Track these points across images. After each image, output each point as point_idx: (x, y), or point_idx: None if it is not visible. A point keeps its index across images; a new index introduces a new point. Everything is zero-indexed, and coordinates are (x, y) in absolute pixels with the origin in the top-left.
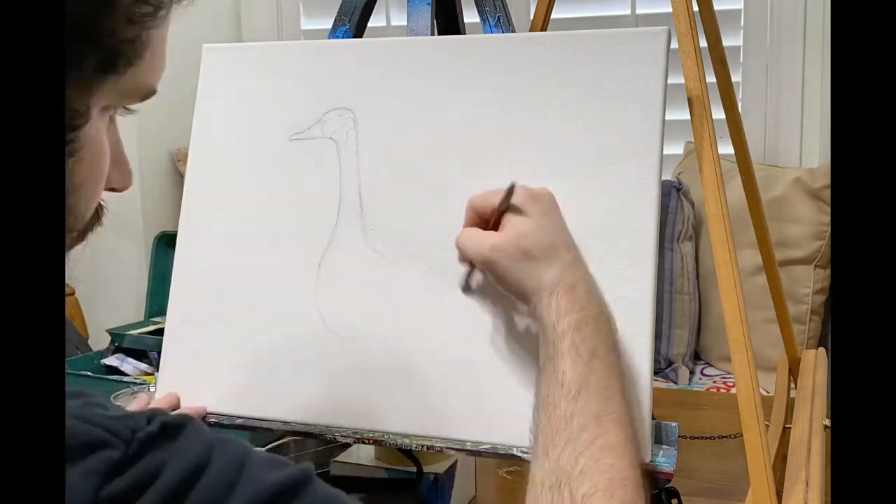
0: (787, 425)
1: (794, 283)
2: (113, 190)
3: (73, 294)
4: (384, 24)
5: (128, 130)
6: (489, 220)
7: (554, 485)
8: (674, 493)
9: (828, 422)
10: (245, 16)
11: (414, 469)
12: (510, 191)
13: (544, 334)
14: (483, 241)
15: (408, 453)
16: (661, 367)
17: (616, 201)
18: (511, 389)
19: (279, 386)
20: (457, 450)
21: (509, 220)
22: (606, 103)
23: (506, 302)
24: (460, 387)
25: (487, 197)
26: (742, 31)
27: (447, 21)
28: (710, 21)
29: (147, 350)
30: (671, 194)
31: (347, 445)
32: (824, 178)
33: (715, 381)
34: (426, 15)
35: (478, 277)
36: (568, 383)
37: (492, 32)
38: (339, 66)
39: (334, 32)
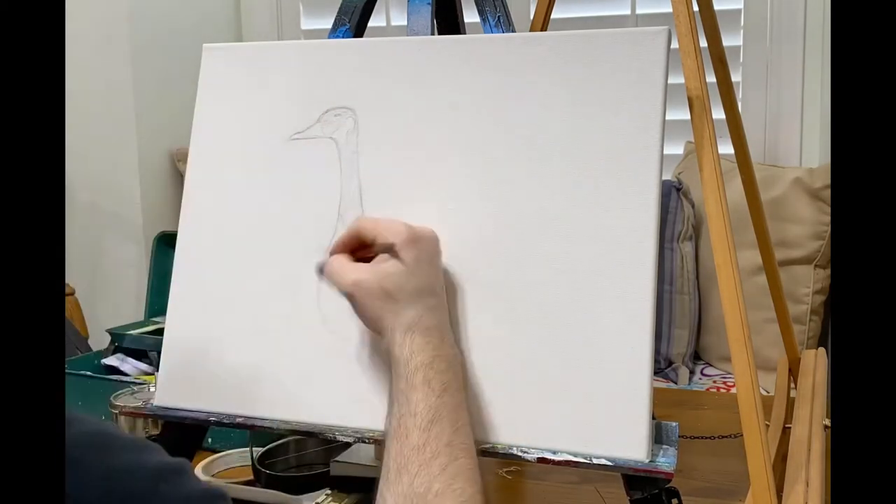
0: (787, 425)
1: (794, 283)
2: None
3: (73, 294)
4: (384, 24)
5: (128, 130)
6: (366, 248)
7: None
8: (674, 493)
9: (828, 422)
10: (245, 16)
11: None
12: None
13: (397, 369)
14: (348, 274)
15: None
16: (661, 367)
17: (616, 201)
18: (511, 389)
19: (279, 386)
20: None
21: (381, 257)
22: (606, 103)
23: (504, 303)
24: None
25: (376, 226)
26: (742, 31)
27: (447, 21)
28: (710, 21)
29: (147, 350)
30: (671, 194)
31: (347, 445)
32: (824, 178)
33: (715, 381)
34: (426, 15)
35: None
36: (420, 414)
37: (492, 32)
38: (339, 66)
39: (334, 32)
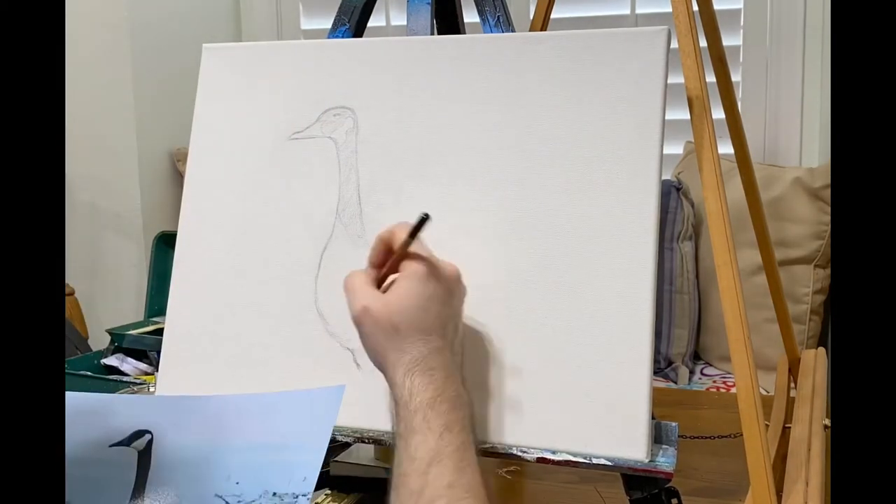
0: (787, 425)
1: (794, 283)
2: None
3: (73, 294)
4: (384, 23)
5: (127, 130)
6: (390, 258)
7: None
8: (674, 493)
9: (828, 422)
10: (245, 16)
11: None
12: (414, 230)
13: (397, 412)
14: (360, 298)
15: None
16: (661, 366)
17: (616, 201)
18: (511, 389)
19: (279, 386)
20: None
21: (398, 285)
22: (606, 103)
23: (504, 303)
24: None
25: (398, 233)
26: (742, 31)
27: (447, 21)
28: (709, 21)
29: (147, 350)
30: (671, 194)
31: (347, 445)
32: (824, 178)
33: (715, 381)
34: (426, 15)
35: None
36: (419, 458)
37: (491, 32)
38: (338, 66)
39: (334, 32)
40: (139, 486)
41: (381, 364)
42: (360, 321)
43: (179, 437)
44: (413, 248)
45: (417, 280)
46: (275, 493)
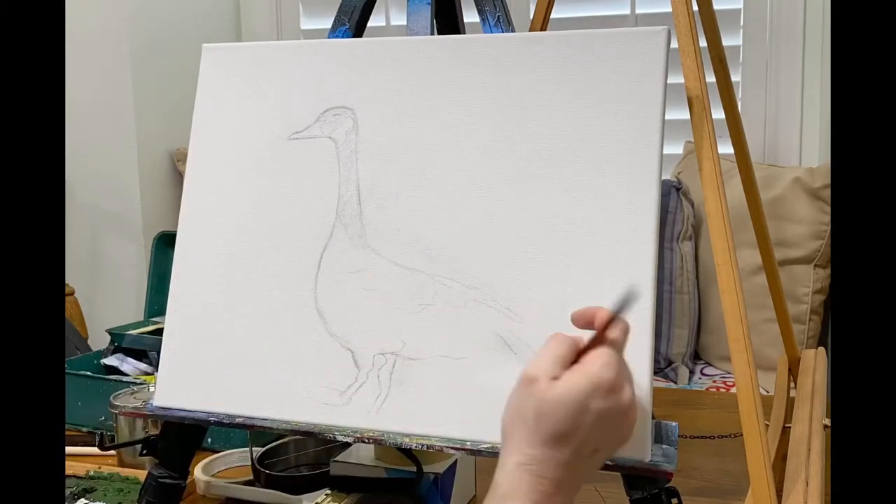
0: (786, 425)
1: (794, 283)
2: None
3: (73, 294)
4: (384, 23)
5: (127, 130)
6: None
7: None
8: (674, 493)
9: (828, 421)
10: (245, 16)
11: (414, 469)
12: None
13: (493, 492)
14: (536, 364)
15: (407, 453)
16: (661, 366)
17: (616, 201)
18: (511, 389)
19: (279, 386)
20: (457, 449)
21: (576, 377)
22: (606, 103)
23: (504, 302)
24: (460, 386)
25: (598, 345)
26: (742, 31)
27: (447, 21)
28: (709, 21)
29: (147, 350)
30: (671, 194)
31: (347, 445)
32: (824, 178)
33: (715, 381)
34: (426, 15)
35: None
36: None
37: (491, 32)
38: (338, 66)
39: (334, 32)
40: None
41: (505, 434)
42: (521, 382)
43: None
44: (613, 351)
45: (595, 387)
46: None
